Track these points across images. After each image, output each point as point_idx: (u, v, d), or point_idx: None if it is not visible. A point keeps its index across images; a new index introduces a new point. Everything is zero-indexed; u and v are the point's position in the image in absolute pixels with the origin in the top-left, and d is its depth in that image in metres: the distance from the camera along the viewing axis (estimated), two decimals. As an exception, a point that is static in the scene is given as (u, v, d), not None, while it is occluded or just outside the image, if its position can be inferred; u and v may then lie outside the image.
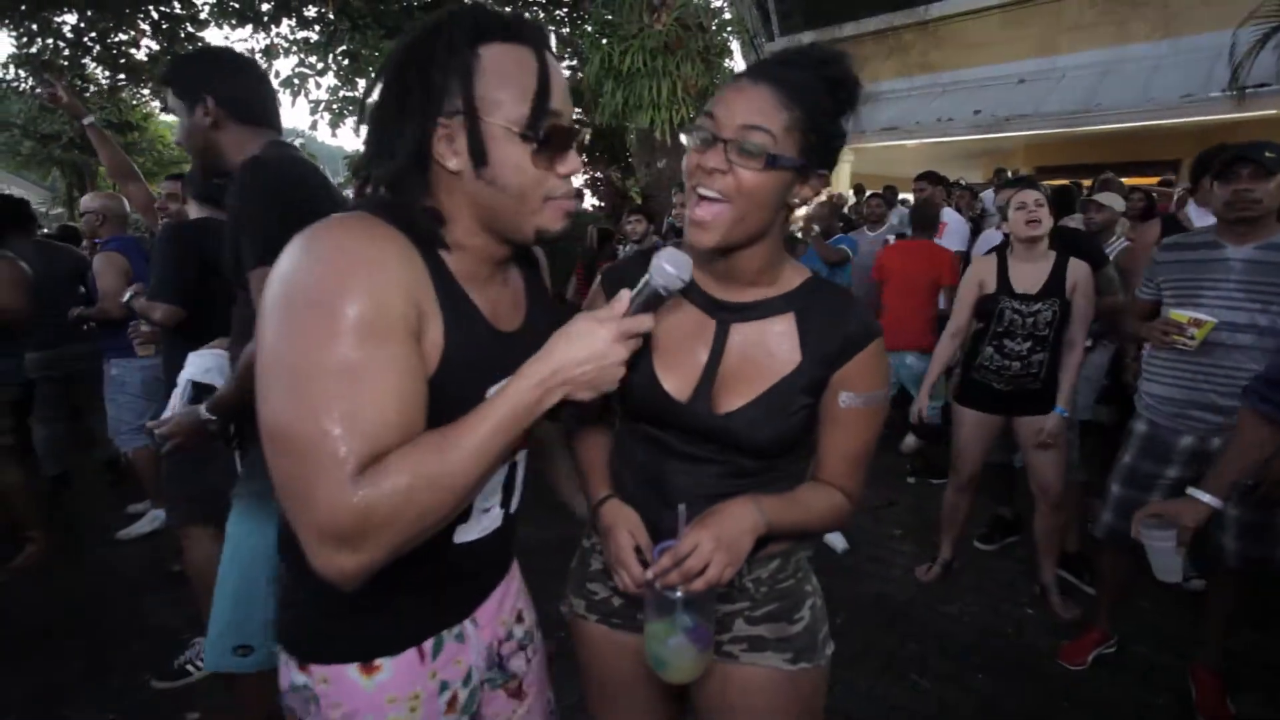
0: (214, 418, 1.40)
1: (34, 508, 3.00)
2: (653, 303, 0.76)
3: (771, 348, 0.92)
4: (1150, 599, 2.54)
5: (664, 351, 0.94)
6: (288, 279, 0.64)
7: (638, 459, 0.99)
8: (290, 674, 0.83)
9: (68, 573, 2.96)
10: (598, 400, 0.77)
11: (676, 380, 0.92)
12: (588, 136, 0.79)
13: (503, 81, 0.70)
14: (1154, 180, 7.02)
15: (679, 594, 0.82)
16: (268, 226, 1.19)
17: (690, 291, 0.95)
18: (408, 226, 0.71)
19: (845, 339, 0.91)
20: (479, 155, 0.70)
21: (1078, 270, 2.39)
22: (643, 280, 0.76)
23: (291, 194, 1.25)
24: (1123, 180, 5.92)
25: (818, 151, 0.84)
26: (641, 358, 0.92)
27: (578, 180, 0.79)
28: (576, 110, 0.85)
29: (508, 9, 0.75)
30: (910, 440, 4.03)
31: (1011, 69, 7.88)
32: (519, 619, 1.01)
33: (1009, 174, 6.77)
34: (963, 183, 6.88)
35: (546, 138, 0.71)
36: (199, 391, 1.59)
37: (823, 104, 0.83)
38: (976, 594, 2.70)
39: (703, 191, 0.83)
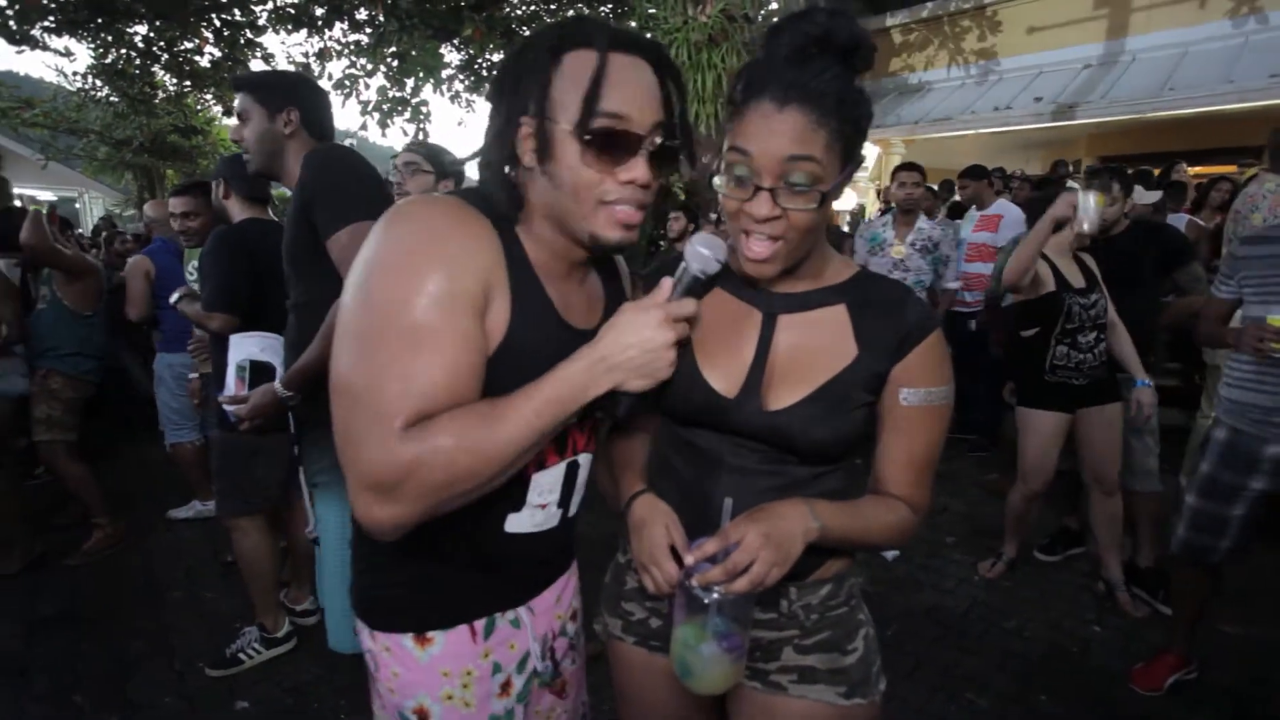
0: (291, 393, 1.48)
1: (99, 497, 3.14)
2: (693, 289, 0.77)
3: (824, 340, 0.86)
4: (1236, 623, 2.36)
5: (707, 347, 0.88)
6: (375, 249, 0.70)
7: (678, 472, 0.93)
8: (364, 637, 0.89)
9: (133, 558, 3.10)
10: (651, 395, 0.75)
11: (722, 377, 0.86)
12: (659, 141, 0.76)
13: (571, 85, 0.72)
14: (1232, 168, 6.57)
15: (715, 595, 0.76)
16: (347, 192, 1.38)
17: (733, 283, 0.91)
18: (490, 209, 0.75)
19: (904, 331, 0.84)
20: (544, 152, 0.73)
21: (1091, 261, 2.50)
22: (680, 268, 0.77)
23: (363, 170, 1.44)
24: (1189, 169, 5.57)
25: (856, 143, 0.79)
26: (683, 354, 0.87)
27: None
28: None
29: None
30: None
31: (1076, 53, 7.44)
32: (573, 617, 1.02)
33: (1069, 166, 6.40)
34: (1019, 174, 6.56)
35: (595, 138, 0.71)
36: (256, 371, 1.70)
37: (847, 85, 0.76)
38: (1038, 608, 2.55)
39: (757, 241, 0.79)
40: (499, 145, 0.76)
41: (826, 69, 0.75)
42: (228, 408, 1.62)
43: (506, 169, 0.77)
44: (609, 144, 0.72)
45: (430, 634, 0.85)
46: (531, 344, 0.75)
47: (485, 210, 0.75)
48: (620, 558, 1.05)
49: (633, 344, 0.70)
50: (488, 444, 0.66)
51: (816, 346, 0.86)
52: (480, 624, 0.87)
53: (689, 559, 0.78)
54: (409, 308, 0.66)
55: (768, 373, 0.86)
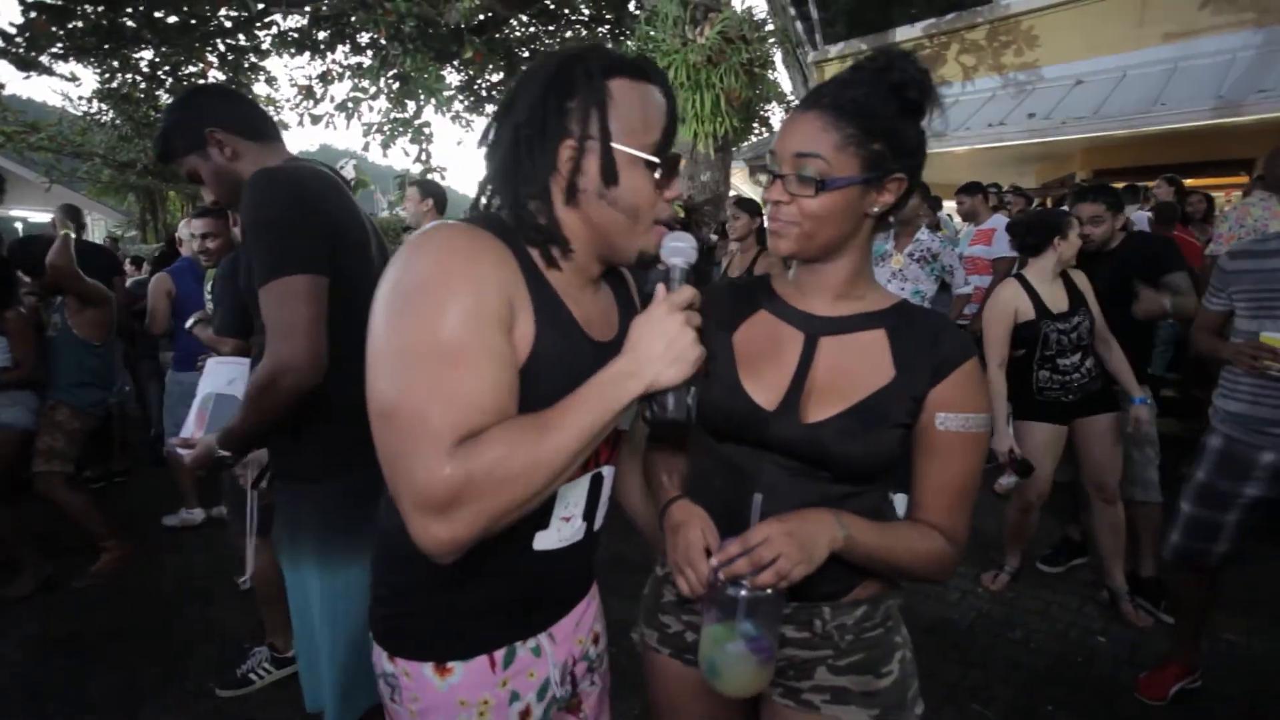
0: (227, 454, 1.30)
1: (100, 522, 3.13)
2: (685, 280, 0.81)
3: (863, 361, 0.90)
4: (1240, 632, 2.37)
5: (750, 363, 0.93)
6: (400, 273, 0.71)
7: (712, 489, 0.96)
8: (381, 660, 0.89)
9: (142, 579, 3.11)
10: (694, 403, 0.79)
11: (763, 390, 0.91)
12: (682, 159, 0.87)
13: (632, 111, 0.78)
14: (1242, 178, 6.65)
15: (743, 593, 0.79)
16: (279, 237, 1.17)
17: (777, 305, 0.96)
18: (503, 231, 0.77)
19: (941, 356, 0.88)
20: (610, 175, 0.77)
21: (1082, 279, 2.54)
22: (666, 270, 0.81)
23: (307, 205, 1.21)
24: (1185, 181, 5.65)
25: (887, 158, 0.84)
26: (725, 369, 0.93)
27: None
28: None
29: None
30: (1006, 480, 3.85)
31: (1067, 70, 7.58)
32: (595, 640, 1.02)
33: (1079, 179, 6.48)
34: (1013, 188, 6.64)
35: (666, 164, 0.80)
36: (222, 405, 1.60)
37: (884, 110, 0.83)
38: (1043, 619, 2.57)
39: (772, 220, 0.89)
40: (540, 166, 0.77)
41: (860, 87, 0.83)
42: (179, 451, 1.45)
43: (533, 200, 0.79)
44: (670, 169, 0.81)
45: (450, 664, 0.85)
46: (559, 357, 0.77)
47: (498, 233, 0.77)
48: (658, 570, 1.08)
49: (654, 338, 0.72)
50: (540, 452, 0.67)
51: (855, 366, 0.89)
52: (500, 654, 0.87)
53: (714, 559, 0.82)
54: (442, 328, 0.68)
55: (807, 388, 0.89)
